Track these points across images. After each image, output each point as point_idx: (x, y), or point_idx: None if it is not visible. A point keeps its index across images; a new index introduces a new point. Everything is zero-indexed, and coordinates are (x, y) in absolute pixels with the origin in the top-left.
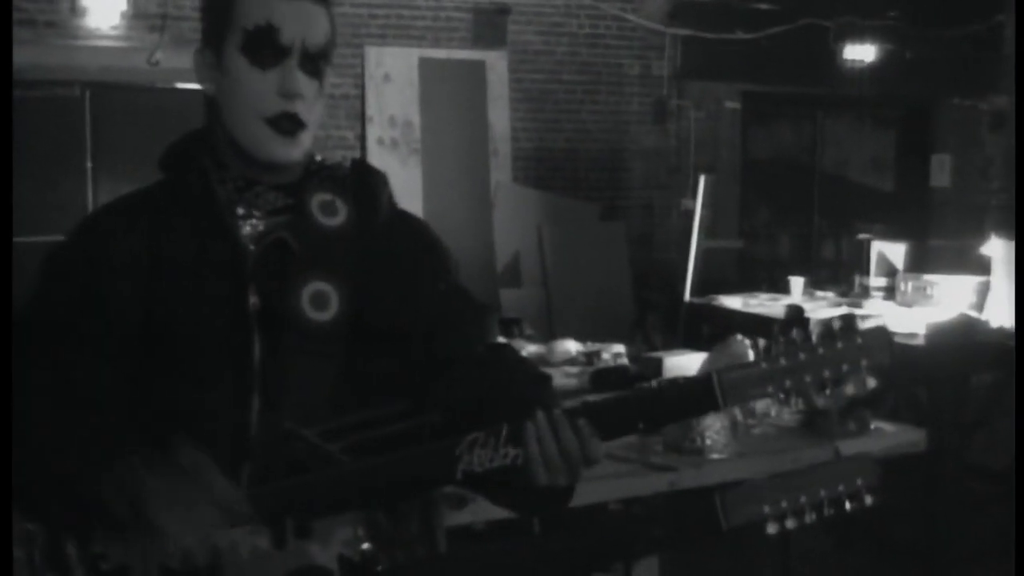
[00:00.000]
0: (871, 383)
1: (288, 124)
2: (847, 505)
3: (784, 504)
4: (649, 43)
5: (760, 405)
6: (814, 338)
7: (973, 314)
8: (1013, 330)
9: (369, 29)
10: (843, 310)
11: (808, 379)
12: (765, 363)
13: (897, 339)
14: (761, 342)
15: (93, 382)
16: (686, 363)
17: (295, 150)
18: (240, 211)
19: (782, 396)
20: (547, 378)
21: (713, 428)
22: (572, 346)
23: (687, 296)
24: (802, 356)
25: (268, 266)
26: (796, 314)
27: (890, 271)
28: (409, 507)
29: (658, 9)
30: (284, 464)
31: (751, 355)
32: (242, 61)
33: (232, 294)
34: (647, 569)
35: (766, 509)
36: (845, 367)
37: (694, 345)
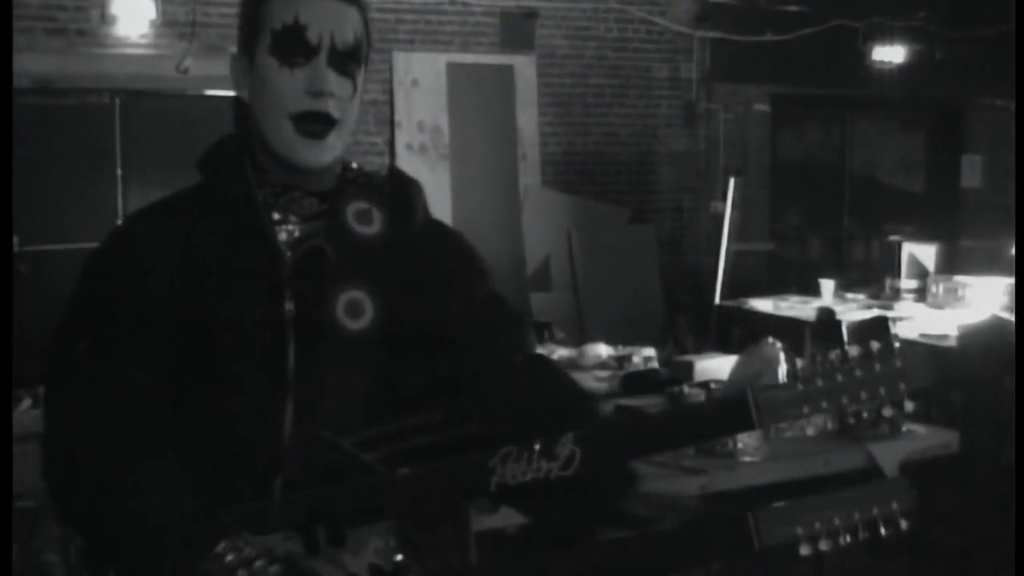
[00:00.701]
0: (910, 407)
1: (314, 125)
2: (882, 529)
3: (818, 525)
4: (677, 46)
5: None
6: (852, 359)
7: (1005, 315)
8: None
9: (397, 35)
10: (874, 312)
11: (845, 401)
12: (802, 384)
13: (929, 341)
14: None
15: (134, 388)
16: (717, 366)
17: (324, 153)
18: (276, 216)
19: (779, 354)
20: (586, 396)
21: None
22: (603, 350)
23: (717, 299)
24: (840, 378)
25: (304, 273)
26: (827, 317)
27: (921, 273)
28: (441, 517)
29: (686, 12)
30: (318, 472)
31: (782, 358)
32: (271, 61)
33: (268, 299)
34: None
35: (799, 530)
36: (883, 390)
37: (725, 348)
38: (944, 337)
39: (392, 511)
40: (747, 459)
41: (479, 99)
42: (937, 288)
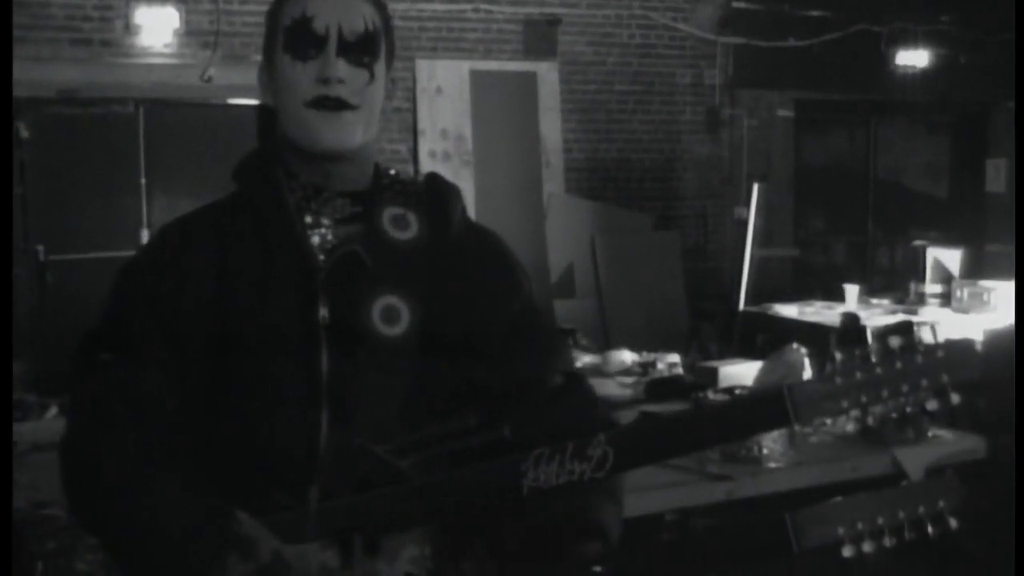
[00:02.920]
0: (955, 399)
1: (331, 104)
2: (929, 528)
3: (860, 526)
4: (701, 52)
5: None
6: (893, 352)
7: None
8: None
9: (420, 42)
10: (899, 318)
11: (885, 394)
12: (840, 377)
13: None
14: (810, 354)
15: (156, 399)
16: (741, 372)
17: (343, 133)
18: (309, 220)
19: (857, 413)
20: (609, 420)
21: (770, 437)
22: (627, 356)
23: (741, 305)
24: (879, 371)
25: (339, 279)
26: (851, 323)
27: (946, 277)
28: (478, 525)
29: (709, 18)
30: (353, 480)
31: (807, 364)
32: (285, 58)
33: (301, 306)
34: None
35: (840, 531)
36: (925, 382)
37: (749, 354)
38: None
39: (426, 518)
40: (773, 464)
41: (502, 106)
42: (962, 292)
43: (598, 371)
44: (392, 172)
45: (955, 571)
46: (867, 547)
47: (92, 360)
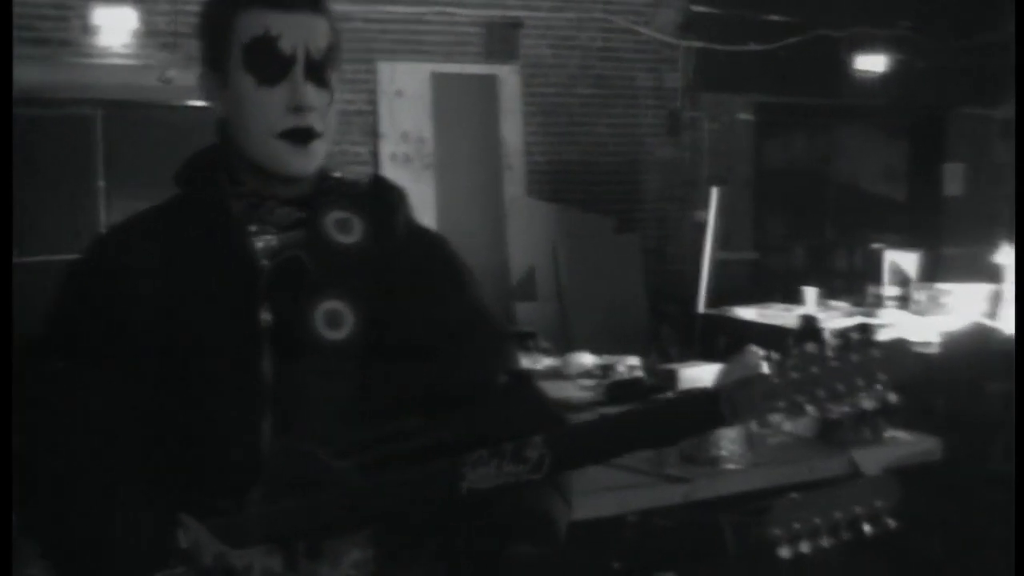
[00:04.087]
0: (892, 398)
1: (304, 136)
2: (866, 527)
3: (796, 526)
4: (662, 56)
5: (775, 416)
6: (829, 351)
7: (987, 322)
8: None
9: (381, 45)
10: (857, 320)
11: (821, 393)
12: (777, 378)
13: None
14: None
15: (113, 407)
16: (701, 375)
17: (311, 161)
18: (254, 228)
19: (795, 412)
20: (559, 415)
21: (728, 438)
22: (587, 359)
23: (701, 308)
24: (815, 370)
25: (282, 284)
26: (810, 325)
27: (903, 280)
28: (424, 527)
29: (670, 22)
30: (296, 484)
31: (764, 366)
32: (248, 80)
33: (244, 311)
34: None
35: (776, 531)
36: (860, 381)
37: (709, 357)
38: (926, 344)
39: (367, 520)
40: (731, 466)
41: (464, 109)
42: (919, 295)
43: (558, 374)
44: (336, 175)
45: (910, 572)
46: (804, 547)
47: (40, 370)
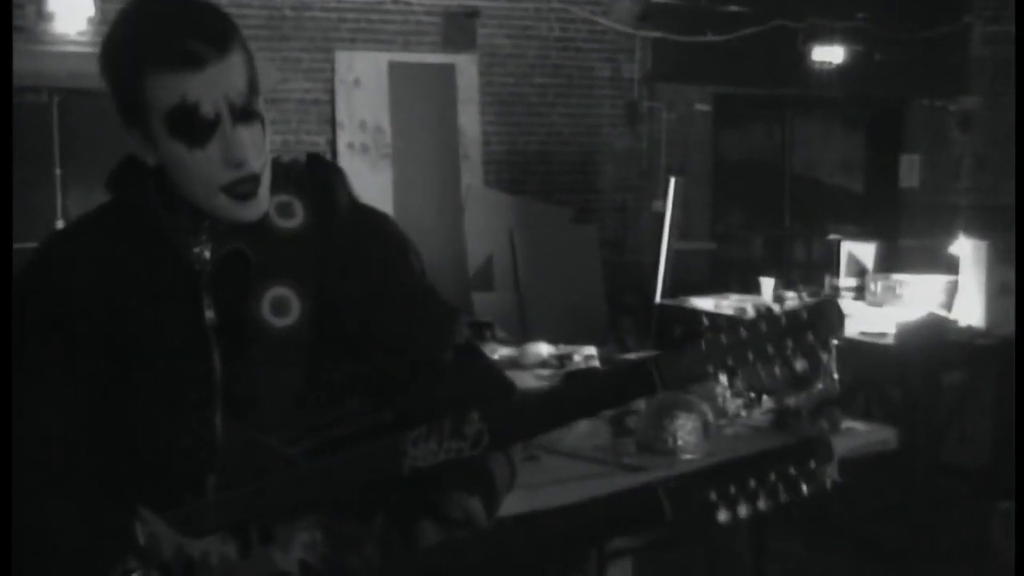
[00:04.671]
0: (824, 356)
1: (246, 187)
2: (804, 488)
3: (733, 489)
4: (619, 46)
5: (732, 406)
6: (759, 317)
7: (942, 313)
8: (982, 329)
9: (339, 33)
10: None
11: (750, 356)
12: (705, 344)
13: (867, 339)
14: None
15: (59, 417)
16: None
17: (258, 207)
18: (190, 237)
19: (725, 376)
20: (511, 388)
21: (685, 428)
22: (544, 349)
23: (659, 298)
24: (744, 334)
25: (225, 277)
26: (767, 314)
27: (860, 271)
28: (374, 507)
29: (628, 12)
30: (248, 472)
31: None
32: (177, 145)
33: (187, 312)
34: (620, 572)
35: (712, 495)
36: (790, 342)
37: (666, 346)
38: (883, 335)
39: (314, 503)
40: (688, 456)
41: (421, 98)
42: (876, 286)
43: (515, 364)
44: (273, 157)
45: (868, 561)
46: (742, 511)
47: None
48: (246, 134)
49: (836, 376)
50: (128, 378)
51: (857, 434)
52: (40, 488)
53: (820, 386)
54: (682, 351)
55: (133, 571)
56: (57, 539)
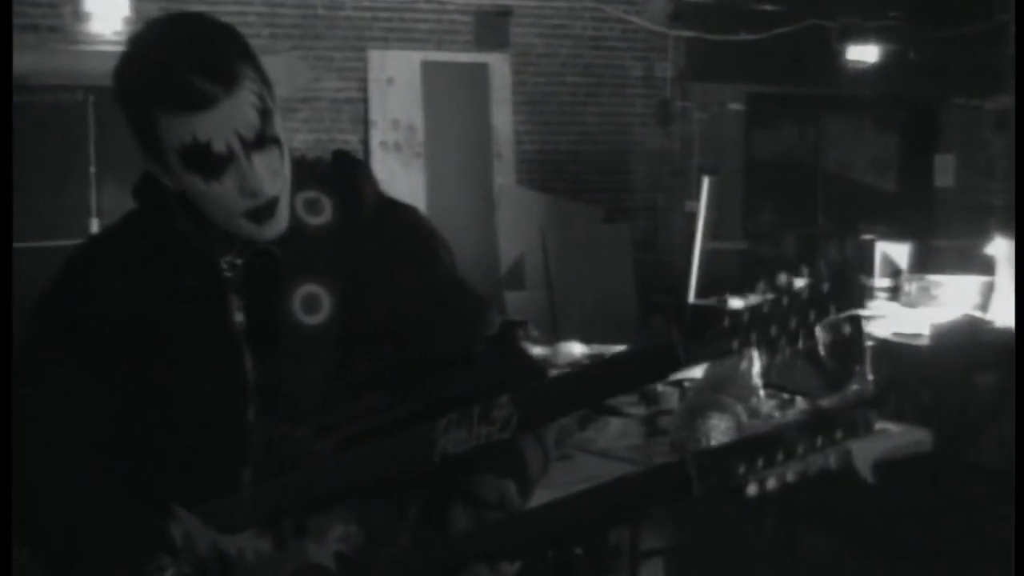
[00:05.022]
0: (847, 329)
1: (265, 212)
2: (831, 460)
3: (760, 462)
4: (652, 45)
5: (765, 407)
6: (780, 292)
7: (977, 314)
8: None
9: (372, 32)
10: (848, 311)
11: (774, 331)
12: (728, 320)
13: (901, 340)
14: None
15: (89, 423)
16: None
17: (277, 225)
18: (217, 246)
19: (751, 352)
20: (543, 375)
21: (718, 428)
22: (577, 348)
23: (691, 297)
24: (766, 310)
25: (253, 278)
26: None
27: (894, 272)
28: (408, 498)
29: (661, 11)
30: (279, 467)
31: (755, 356)
32: (195, 179)
33: (214, 317)
34: (652, 572)
35: (741, 468)
36: (812, 315)
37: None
38: (917, 336)
39: (345, 494)
40: None
41: (454, 97)
42: (910, 287)
43: (548, 363)
44: (296, 156)
45: (898, 564)
46: (770, 483)
47: (15, 395)
48: (261, 162)
49: (870, 377)
50: (159, 381)
51: (891, 435)
52: (73, 490)
53: (854, 387)
54: (706, 329)
55: (166, 568)
56: (92, 541)
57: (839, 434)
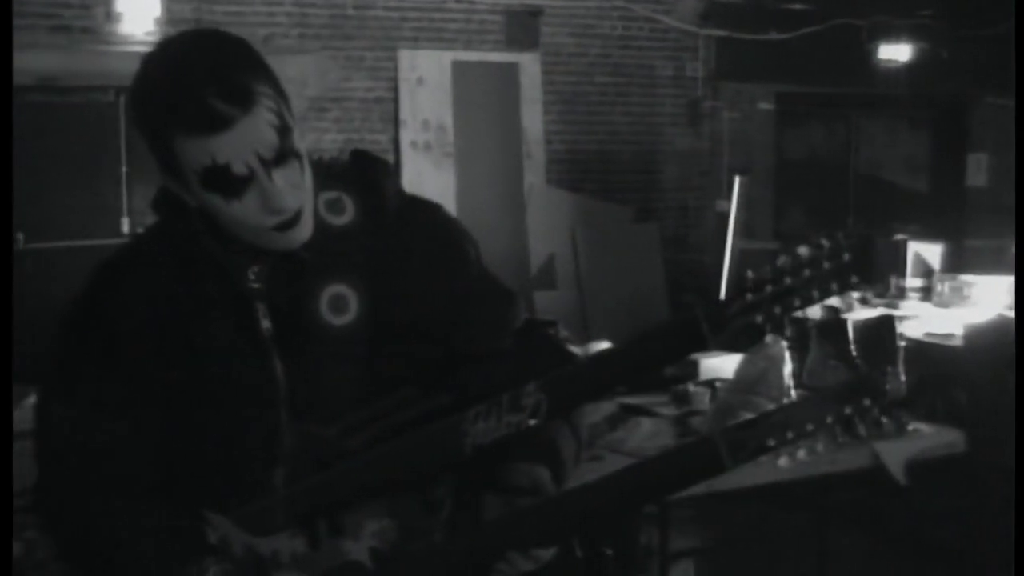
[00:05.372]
0: (869, 295)
1: (291, 224)
2: (860, 427)
3: (790, 434)
4: (682, 44)
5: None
6: (802, 262)
7: (1010, 314)
8: None
9: (402, 32)
10: (880, 311)
11: (797, 302)
12: (751, 293)
13: (934, 340)
14: (791, 347)
15: (122, 435)
16: (721, 364)
17: (301, 234)
18: (241, 257)
19: (771, 325)
20: (570, 357)
21: None
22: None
23: (722, 297)
24: (788, 281)
25: (279, 283)
26: (832, 316)
27: (926, 272)
28: (442, 492)
29: (691, 10)
30: (311, 467)
31: (787, 357)
32: (215, 198)
33: (242, 328)
34: (683, 572)
35: (771, 442)
36: (835, 285)
37: (730, 347)
38: (949, 336)
39: (378, 490)
40: None
41: (484, 97)
42: (942, 287)
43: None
44: (315, 157)
45: (932, 565)
46: (801, 454)
47: (47, 414)
48: (282, 178)
49: (903, 378)
50: (191, 391)
51: (924, 436)
52: (115, 502)
53: (887, 387)
54: (728, 303)
55: (207, 570)
56: (134, 550)
57: (868, 402)
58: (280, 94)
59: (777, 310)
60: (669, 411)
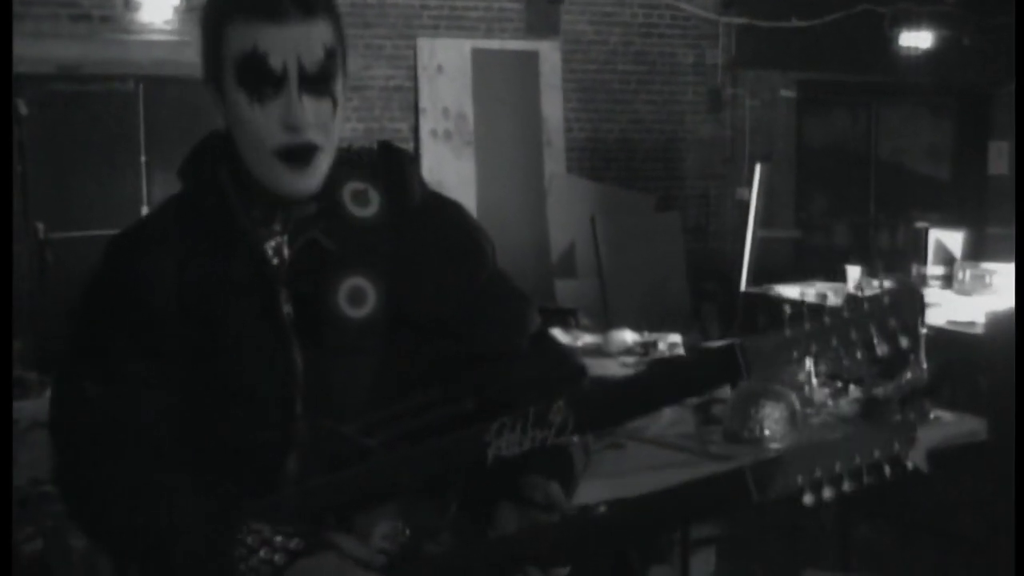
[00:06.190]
0: (905, 342)
1: (299, 154)
2: (887, 471)
3: (818, 473)
4: (703, 32)
5: (819, 395)
6: (842, 305)
7: None
8: None
9: (422, 20)
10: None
11: (835, 342)
12: (789, 330)
13: (956, 328)
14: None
15: (151, 414)
16: None
17: (311, 180)
18: (263, 227)
19: (810, 363)
20: (583, 372)
21: (772, 418)
22: (628, 336)
23: (743, 286)
24: (827, 320)
25: (301, 269)
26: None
27: (948, 259)
28: (452, 494)
29: None
30: (326, 462)
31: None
32: (241, 96)
33: (264, 308)
34: (704, 561)
35: (800, 480)
36: (873, 328)
37: (750, 334)
38: (971, 324)
39: (393, 493)
40: (774, 446)
41: (504, 85)
42: (964, 274)
43: (600, 351)
44: (343, 146)
45: (954, 555)
46: (827, 494)
47: (75, 391)
48: (311, 104)
49: (924, 365)
50: (209, 372)
51: (945, 424)
52: (150, 483)
53: (908, 375)
54: (766, 337)
55: (256, 550)
56: (176, 532)
57: (897, 447)
58: (339, 32)
59: (814, 348)
60: (691, 398)
